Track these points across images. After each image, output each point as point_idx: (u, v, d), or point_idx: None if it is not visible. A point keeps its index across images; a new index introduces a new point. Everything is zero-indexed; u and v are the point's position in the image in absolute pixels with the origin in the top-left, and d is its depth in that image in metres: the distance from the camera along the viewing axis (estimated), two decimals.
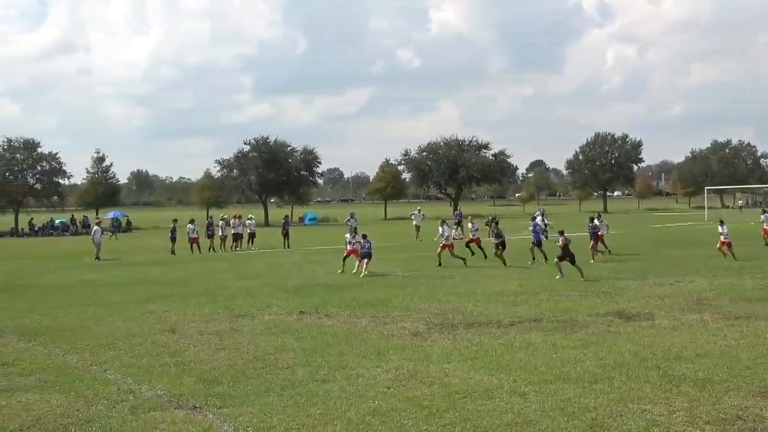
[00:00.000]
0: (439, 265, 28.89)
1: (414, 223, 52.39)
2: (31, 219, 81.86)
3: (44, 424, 9.51)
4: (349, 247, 27.88)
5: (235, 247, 43.78)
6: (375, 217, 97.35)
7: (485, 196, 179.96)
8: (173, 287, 24.40)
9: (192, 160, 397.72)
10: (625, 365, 11.92)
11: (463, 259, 28.93)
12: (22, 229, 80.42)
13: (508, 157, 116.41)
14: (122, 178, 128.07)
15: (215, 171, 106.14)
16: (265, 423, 9.31)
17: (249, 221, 46.94)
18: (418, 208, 58.23)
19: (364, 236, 27.91)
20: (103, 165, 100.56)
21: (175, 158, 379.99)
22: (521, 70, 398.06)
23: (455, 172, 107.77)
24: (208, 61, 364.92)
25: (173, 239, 42.08)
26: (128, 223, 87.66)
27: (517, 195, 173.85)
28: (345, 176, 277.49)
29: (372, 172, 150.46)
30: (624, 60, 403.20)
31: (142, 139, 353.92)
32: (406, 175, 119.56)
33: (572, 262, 24.25)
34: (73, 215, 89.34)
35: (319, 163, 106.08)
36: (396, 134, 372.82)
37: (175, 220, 44.46)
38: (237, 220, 45.14)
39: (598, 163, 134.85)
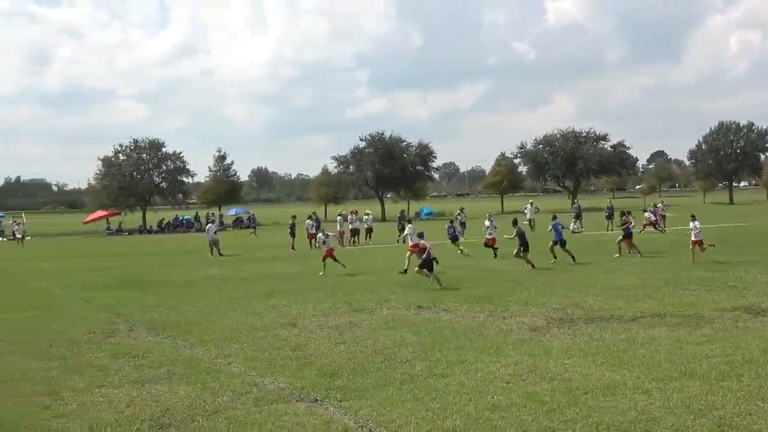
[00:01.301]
0: (495, 257, 29.96)
1: (527, 216, 51.58)
2: (162, 219, 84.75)
3: (173, 414, 9.83)
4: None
5: (353, 242, 44.29)
6: (491, 210, 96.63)
7: (605, 188, 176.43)
8: (293, 282, 24.83)
9: (310, 157, 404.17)
10: (754, 362, 11.46)
11: (564, 257, 28.35)
12: (150, 226, 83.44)
13: (627, 148, 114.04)
14: (243, 175, 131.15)
15: (332, 167, 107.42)
16: (385, 416, 9.38)
17: (366, 216, 47.41)
18: (530, 201, 57.51)
19: (420, 235, 25.43)
20: (225, 163, 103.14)
21: (294, 155, 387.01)
22: (640, 59, 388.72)
23: (573, 164, 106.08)
24: (325, 58, 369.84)
25: (292, 235, 42.97)
26: (249, 219, 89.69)
27: (637, 187, 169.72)
28: (460, 171, 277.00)
29: (487, 166, 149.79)
30: (748, 46, 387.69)
31: (261, 137, 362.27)
32: (523, 169, 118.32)
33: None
34: (197, 212, 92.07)
35: (435, 157, 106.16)
36: (511, 127, 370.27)
37: (293, 217, 45.31)
38: (354, 215, 45.66)
39: (722, 152, 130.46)
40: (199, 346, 14.46)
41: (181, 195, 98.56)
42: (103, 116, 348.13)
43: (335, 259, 26.89)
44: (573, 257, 27.74)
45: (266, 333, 15.50)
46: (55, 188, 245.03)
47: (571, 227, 44.55)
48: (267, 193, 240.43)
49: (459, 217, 46.13)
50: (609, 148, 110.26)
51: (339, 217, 45.37)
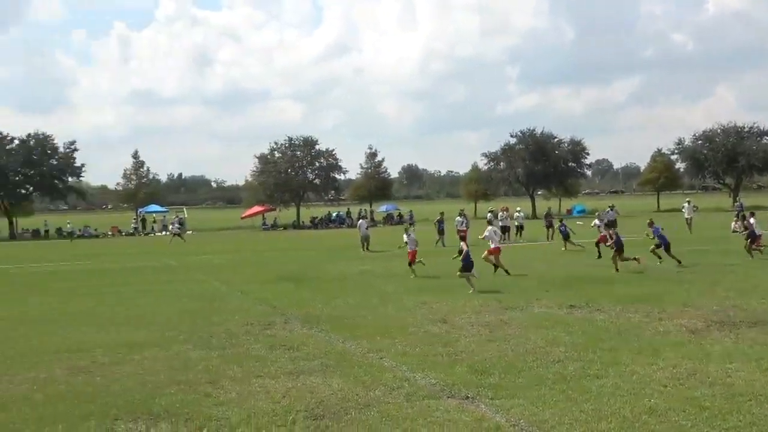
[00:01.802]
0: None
1: (685, 215, 49.99)
2: (315, 217, 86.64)
3: (327, 406, 10.02)
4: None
5: (503, 240, 43.91)
6: (646, 208, 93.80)
7: None
8: (443, 279, 24.83)
9: (460, 154, 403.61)
10: None
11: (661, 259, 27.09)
12: (303, 221, 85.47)
13: None
14: (394, 172, 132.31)
15: (482, 164, 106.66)
16: (537, 416, 9.26)
17: (517, 214, 46.99)
18: (688, 199, 54.95)
19: (462, 238, 24.60)
20: (376, 160, 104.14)
21: (444, 152, 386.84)
22: None
23: (734, 160, 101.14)
24: (477, 54, 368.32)
25: (441, 232, 43.04)
26: (400, 216, 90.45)
27: None
28: (614, 167, 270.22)
29: (643, 163, 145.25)
30: None
31: (412, 133, 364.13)
32: (680, 165, 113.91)
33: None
34: (348, 208, 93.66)
35: (587, 154, 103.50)
36: (668, 122, 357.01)
37: (441, 213, 45.41)
38: (505, 212, 45.30)
39: None
40: (351, 340, 14.68)
41: (333, 191, 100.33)
42: (260, 116, 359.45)
43: (412, 262, 26.45)
44: (679, 261, 26.36)
45: (417, 329, 15.57)
46: (214, 185, 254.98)
47: (732, 227, 42.72)
48: (417, 190, 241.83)
49: (608, 215, 45.10)
50: None
51: (489, 215, 45.07)
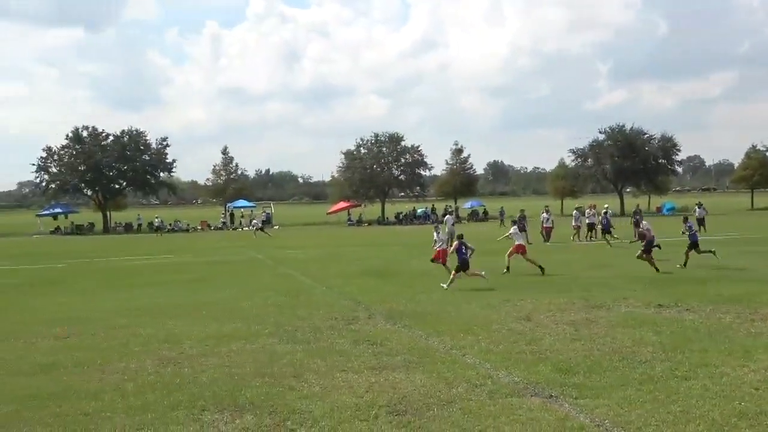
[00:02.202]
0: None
1: None
2: (399, 213, 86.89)
3: (409, 401, 10.02)
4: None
5: (590, 237, 43.36)
6: (739, 207, 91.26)
7: None
8: (525, 276, 24.64)
9: (546, 150, 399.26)
10: None
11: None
12: (387, 217, 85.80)
13: None
14: (479, 168, 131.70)
15: (569, 160, 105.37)
16: (623, 417, 9.10)
17: (604, 211, 46.37)
18: None
19: (460, 237, 24.01)
20: (462, 156, 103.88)
21: (530, 148, 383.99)
22: None
23: None
24: (564, 49, 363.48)
25: (522, 229, 42.81)
26: (485, 212, 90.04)
27: None
28: (706, 164, 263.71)
29: (736, 160, 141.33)
30: None
31: (498, 130, 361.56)
32: None
33: None
34: (433, 205, 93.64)
35: (679, 150, 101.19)
36: (764, 118, 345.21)
37: (522, 210, 45.15)
38: (592, 209, 44.72)
39: None
40: (434, 336, 14.67)
41: (418, 187, 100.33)
42: (346, 112, 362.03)
43: (437, 260, 26.05)
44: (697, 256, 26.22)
45: (501, 326, 15.47)
46: (301, 180, 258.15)
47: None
48: (503, 187, 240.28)
49: (697, 213, 44.20)
50: None
51: (575, 212, 44.55)
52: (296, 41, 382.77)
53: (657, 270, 24.44)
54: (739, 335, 13.85)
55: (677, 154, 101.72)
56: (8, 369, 12.78)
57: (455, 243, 23.53)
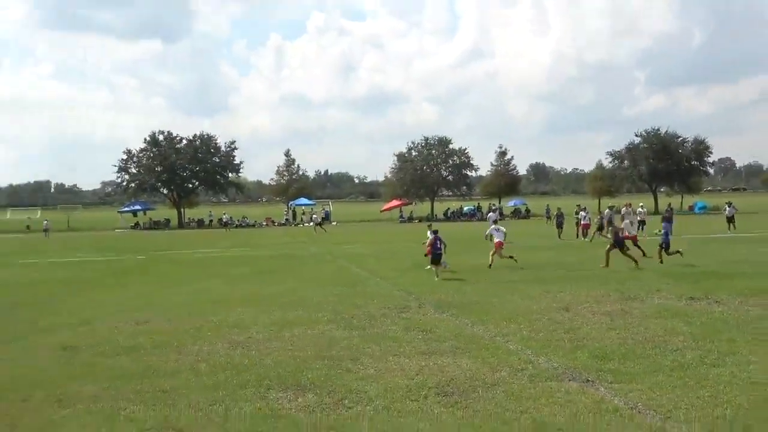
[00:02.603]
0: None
1: None
2: (447, 209, 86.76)
3: (456, 384, 10.08)
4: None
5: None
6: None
7: None
8: (566, 269, 24.49)
9: (585, 153, 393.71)
10: None
11: None
12: (436, 215, 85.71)
13: None
14: (521, 169, 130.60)
15: (607, 162, 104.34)
16: (654, 401, 9.06)
17: (640, 209, 45.84)
18: None
19: (435, 232, 24.22)
20: (506, 158, 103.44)
21: (570, 151, 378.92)
22: None
23: None
24: (605, 57, 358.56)
25: (560, 225, 42.75)
26: (527, 210, 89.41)
27: None
28: (736, 165, 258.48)
29: (766, 161, 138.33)
30: None
31: (540, 134, 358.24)
32: None
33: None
34: (479, 203, 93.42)
35: (711, 152, 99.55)
36: None
37: (559, 208, 45.01)
38: (628, 208, 44.25)
39: None
40: (479, 324, 14.67)
41: (465, 187, 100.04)
42: (399, 117, 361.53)
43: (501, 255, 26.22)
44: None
45: (541, 316, 15.42)
46: (356, 181, 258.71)
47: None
48: (543, 186, 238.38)
49: (727, 212, 43.22)
50: None
51: (607, 210, 44.07)
52: (353, 52, 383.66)
53: (636, 263, 24.75)
54: (766, 326, 13.63)
55: (709, 156, 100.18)
56: (95, 351, 13.10)
57: (431, 237, 23.92)
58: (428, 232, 26.19)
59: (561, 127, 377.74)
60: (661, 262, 25.67)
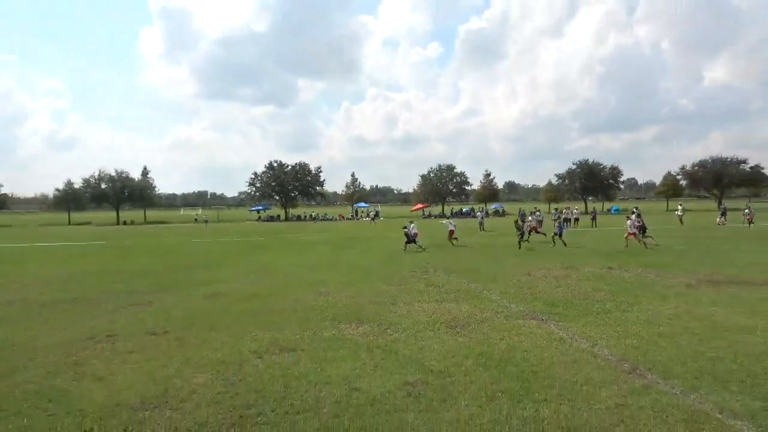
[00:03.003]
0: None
1: (677, 213, 39.94)
2: (452, 209, 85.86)
3: (458, 320, 9.98)
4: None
5: (567, 226, 41.43)
6: (659, 210, 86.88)
7: None
8: (530, 250, 24.11)
9: (539, 174, 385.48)
10: None
11: None
12: (445, 213, 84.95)
13: None
14: (500, 184, 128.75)
15: (554, 180, 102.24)
16: (586, 334, 8.87)
17: (575, 210, 43.86)
18: (680, 204, 42.54)
19: (409, 223, 25.29)
20: (489, 177, 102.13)
21: (530, 173, 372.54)
22: None
23: (719, 180, 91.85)
24: (552, 112, 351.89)
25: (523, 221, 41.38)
26: (503, 211, 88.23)
27: None
28: (638, 182, 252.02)
29: (657, 179, 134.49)
30: None
31: (511, 161, 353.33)
32: (683, 182, 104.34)
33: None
34: (472, 206, 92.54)
35: (621, 174, 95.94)
36: (679, 155, 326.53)
37: (534, 209, 43.69)
38: (567, 210, 42.30)
39: None
40: (473, 282, 14.50)
41: (464, 196, 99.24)
42: (422, 151, 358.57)
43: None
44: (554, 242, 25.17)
45: (512, 278, 15.19)
46: (395, 192, 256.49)
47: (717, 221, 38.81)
48: (515, 195, 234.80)
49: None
50: None
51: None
52: (393, 111, 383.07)
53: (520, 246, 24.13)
54: (658, 287, 13.25)
55: (621, 177, 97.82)
56: (231, 298, 13.25)
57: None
58: (445, 221, 27.14)
59: (524, 157, 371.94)
60: (554, 245, 24.77)
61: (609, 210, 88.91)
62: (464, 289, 13.46)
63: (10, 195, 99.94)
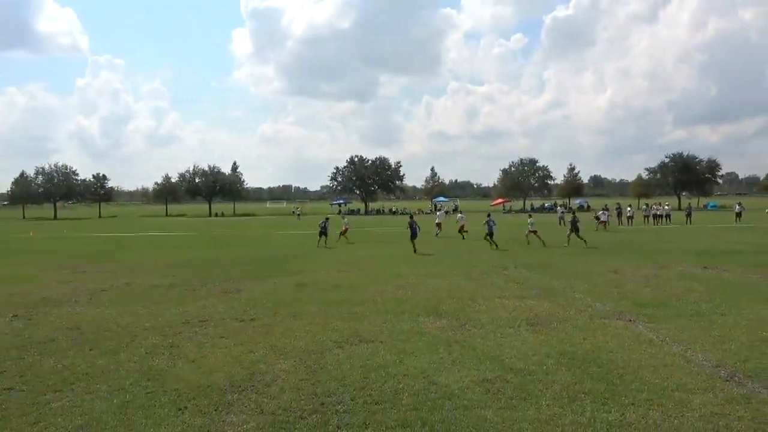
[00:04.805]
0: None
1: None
2: (532, 204, 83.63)
3: (540, 318, 9.66)
4: None
5: (657, 223, 39.38)
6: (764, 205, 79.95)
7: None
8: (614, 244, 22.97)
9: (629, 168, 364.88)
10: None
11: None
12: (526, 209, 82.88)
13: None
14: (584, 179, 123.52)
15: (644, 174, 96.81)
16: (678, 337, 8.32)
17: (667, 207, 41.76)
18: None
19: (411, 217, 24.13)
20: (573, 172, 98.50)
21: (618, 167, 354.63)
22: None
23: None
24: (645, 104, 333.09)
25: (597, 218, 39.66)
26: (588, 206, 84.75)
27: None
28: (739, 177, 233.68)
29: (762, 174, 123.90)
30: None
31: (598, 155, 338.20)
32: None
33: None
34: (555, 201, 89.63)
35: (720, 168, 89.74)
36: None
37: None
38: (658, 206, 40.46)
39: None
40: (555, 279, 14.04)
41: (546, 191, 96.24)
42: (504, 145, 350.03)
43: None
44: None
45: (598, 276, 14.56)
46: (475, 186, 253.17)
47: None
48: (600, 190, 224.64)
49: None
50: None
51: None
52: (475, 104, 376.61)
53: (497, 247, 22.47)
54: (763, 288, 12.25)
55: (719, 171, 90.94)
56: (316, 287, 13.59)
57: (410, 221, 23.22)
58: (459, 216, 26.77)
59: (612, 151, 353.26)
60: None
61: (705, 206, 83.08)
62: (546, 286, 13.03)
63: (116, 188, 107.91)
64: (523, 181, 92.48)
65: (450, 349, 7.93)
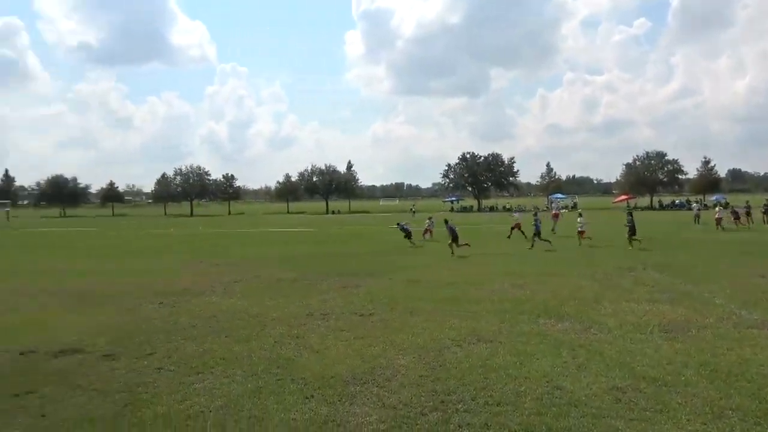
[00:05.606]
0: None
1: None
2: (660, 201, 77.47)
3: (675, 324, 8.91)
4: None
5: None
6: None
7: None
8: (762, 244, 20.62)
9: None
10: None
11: None
12: (654, 206, 76.99)
13: None
14: (721, 173, 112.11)
15: None
16: None
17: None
18: None
19: (446, 221, 21.83)
20: (708, 166, 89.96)
21: (763, 159, 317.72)
22: None
23: None
24: None
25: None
26: (727, 204, 76.93)
27: None
28: None
29: None
30: None
31: (738, 146, 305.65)
32: None
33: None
34: (687, 198, 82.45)
35: None
36: None
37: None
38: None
39: None
40: (691, 283, 12.87)
41: (677, 186, 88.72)
42: (626, 138, 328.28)
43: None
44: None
45: (740, 279, 13.13)
46: (594, 181, 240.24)
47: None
48: (741, 185, 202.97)
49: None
50: None
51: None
52: (593, 95, 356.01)
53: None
54: None
55: None
56: (430, 284, 13.59)
57: (446, 226, 21.08)
58: (516, 215, 27.60)
59: (754, 142, 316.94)
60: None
61: None
62: (680, 290, 12.00)
63: (242, 187, 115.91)
64: (650, 175, 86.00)
65: (574, 353, 7.56)
